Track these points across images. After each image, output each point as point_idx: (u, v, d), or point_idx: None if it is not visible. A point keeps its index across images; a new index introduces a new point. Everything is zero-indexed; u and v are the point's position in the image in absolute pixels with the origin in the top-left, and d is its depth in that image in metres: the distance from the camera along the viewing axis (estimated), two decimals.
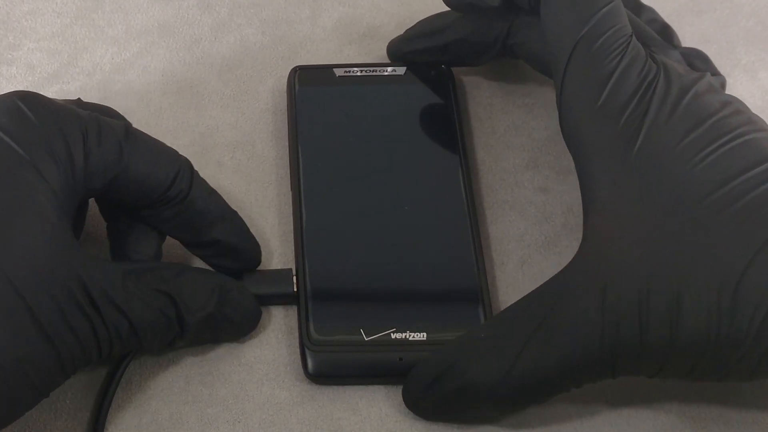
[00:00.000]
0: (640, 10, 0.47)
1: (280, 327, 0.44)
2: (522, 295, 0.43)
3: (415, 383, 0.41)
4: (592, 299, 0.38)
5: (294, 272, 0.44)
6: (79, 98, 0.45)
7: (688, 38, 0.50)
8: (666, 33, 0.46)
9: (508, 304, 0.44)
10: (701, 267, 0.37)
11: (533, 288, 0.43)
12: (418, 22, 0.52)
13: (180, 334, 0.41)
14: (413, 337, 0.42)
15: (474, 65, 0.52)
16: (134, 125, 0.49)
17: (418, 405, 0.41)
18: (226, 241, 0.44)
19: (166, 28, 0.54)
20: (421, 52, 0.51)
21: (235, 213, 0.44)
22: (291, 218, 0.47)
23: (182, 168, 0.42)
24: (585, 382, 0.39)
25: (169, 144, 0.45)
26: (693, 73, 0.42)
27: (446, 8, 0.49)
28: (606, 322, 0.38)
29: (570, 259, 0.41)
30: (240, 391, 0.42)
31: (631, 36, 0.42)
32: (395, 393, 0.42)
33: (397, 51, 0.52)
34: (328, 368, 0.42)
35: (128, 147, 0.41)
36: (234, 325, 0.42)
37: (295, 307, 0.44)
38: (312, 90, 0.50)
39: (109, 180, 0.41)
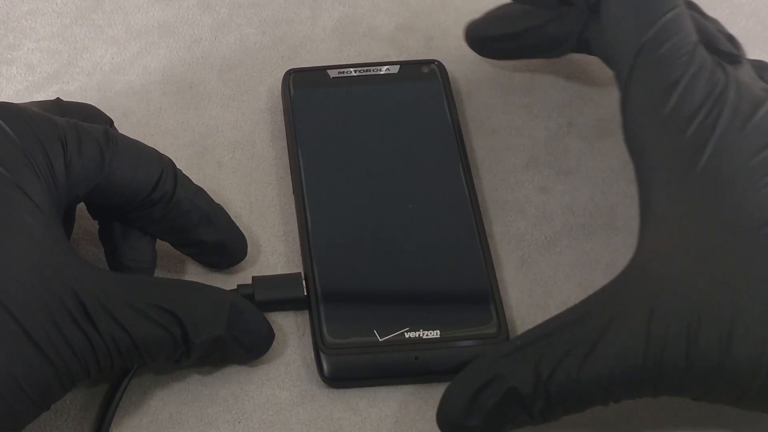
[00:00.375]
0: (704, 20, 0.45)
1: (280, 327, 0.44)
2: (522, 295, 0.43)
3: (457, 397, 0.38)
4: (637, 319, 0.36)
5: (303, 276, 0.44)
6: (58, 98, 0.44)
7: None
8: (731, 44, 0.44)
9: (509, 304, 0.44)
10: (757, 295, 0.36)
11: (534, 288, 0.43)
12: (498, 6, 0.50)
13: (186, 353, 0.40)
14: (427, 335, 0.42)
15: (548, 57, 0.50)
16: (134, 125, 0.50)
17: (460, 426, 0.38)
18: (214, 239, 0.43)
19: (166, 28, 0.54)
20: (497, 39, 0.49)
21: (221, 208, 0.44)
22: (292, 218, 0.47)
23: (165, 169, 0.42)
24: (624, 398, 0.38)
25: (169, 144, 0.45)
26: (766, 88, 0.40)
27: None
28: (650, 344, 0.36)
29: (569, 259, 0.40)
30: (240, 391, 0.42)
31: (697, 44, 0.40)
32: (395, 393, 0.42)
33: (475, 36, 0.50)
34: (345, 371, 0.42)
35: (109, 153, 0.40)
36: (244, 348, 0.41)
37: (296, 310, 0.44)
38: (307, 93, 0.50)
39: (92, 187, 0.40)
